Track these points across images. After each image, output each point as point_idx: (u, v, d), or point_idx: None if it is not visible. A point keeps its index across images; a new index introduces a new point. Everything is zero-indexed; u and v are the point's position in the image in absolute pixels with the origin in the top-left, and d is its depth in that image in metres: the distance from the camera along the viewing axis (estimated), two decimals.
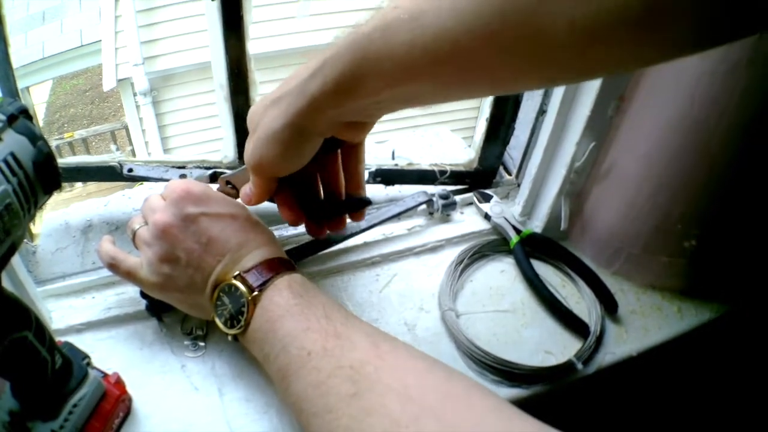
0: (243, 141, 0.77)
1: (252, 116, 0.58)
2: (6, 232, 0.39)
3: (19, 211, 0.40)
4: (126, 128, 5.31)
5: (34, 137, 0.41)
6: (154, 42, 4.26)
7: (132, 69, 4.26)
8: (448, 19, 0.41)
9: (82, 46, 4.73)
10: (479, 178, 0.87)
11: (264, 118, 0.55)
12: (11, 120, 0.41)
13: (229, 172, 0.68)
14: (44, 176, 0.42)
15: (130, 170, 0.76)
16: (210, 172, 0.74)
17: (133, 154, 5.38)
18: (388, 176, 0.84)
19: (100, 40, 4.46)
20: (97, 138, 6.19)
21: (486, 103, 0.82)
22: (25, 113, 0.42)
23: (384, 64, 0.45)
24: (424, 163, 0.86)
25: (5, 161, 0.39)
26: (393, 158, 0.88)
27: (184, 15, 4.15)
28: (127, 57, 4.27)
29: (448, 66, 0.43)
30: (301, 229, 0.79)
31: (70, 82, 7.07)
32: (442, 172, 0.85)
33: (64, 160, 0.76)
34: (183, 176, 0.76)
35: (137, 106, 4.58)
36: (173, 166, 0.77)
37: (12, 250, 0.42)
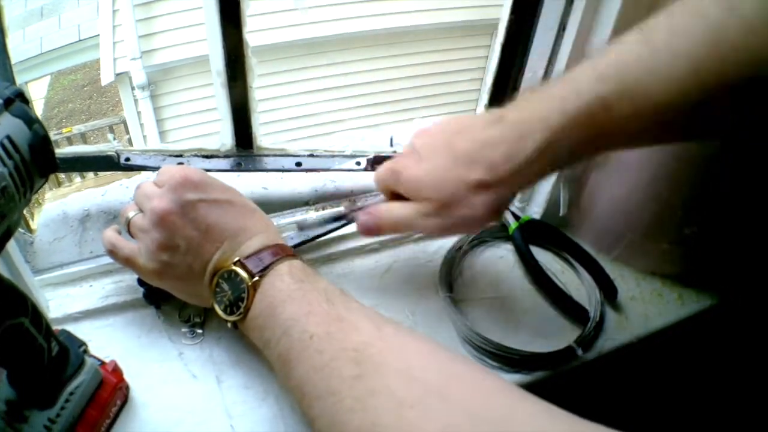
0: (241, 128, 0.77)
1: (442, 189, 0.57)
2: (2, 215, 0.39)
3: (14, 195, 0.40)
4: (124, 123, 5.30)
5: (30, 120, 0.41)
6: (151, 36, 4.25)
7: (130, 63, 4.25)
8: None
9: (80, 40, 4.73)
10: None
11: (470, 199, 0.55)
12: (7, 103, 0.40)
13: (371, 201, 0.69)
14: (40, 159, 0.42)
15: (128, 159, 0.76)
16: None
17: (131, 144, 5.37)
18: None
19: (98, 35, 4.45)
20: (95, 133, 6.18)
21: (484, 91, 0.81)
22: (21, 97, 0.42)
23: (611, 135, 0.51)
24: None
25: (1, 144, 0.39)
26: (391, 145, 0.87)
27: (182, 8, 4.14)
28: (125, 51, 4.26)
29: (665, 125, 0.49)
30: (299, 216, 0.79)
31: (68, 77, 7.05)
32: None
33: (62, 150, 0.75)
34: (180, 164, 0.76)
35: (135, 100, 4.57)
36: (171, 155, 0.77)
37: (8, 234, 0.42)
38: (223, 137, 0.78)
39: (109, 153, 0.76)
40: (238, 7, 0.66)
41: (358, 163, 0.82)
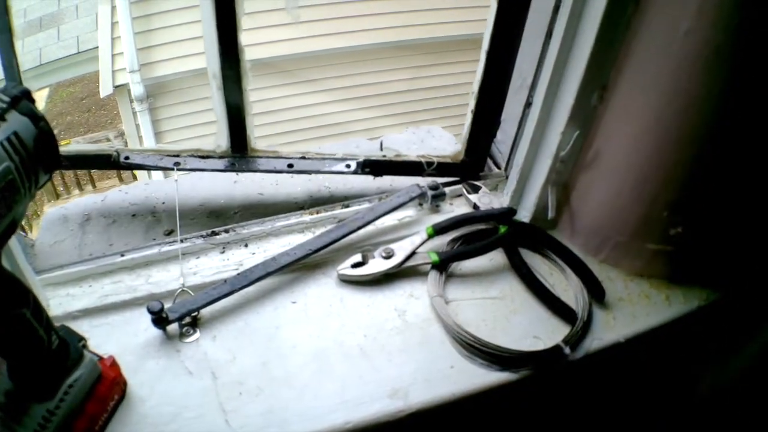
0: (236, 130, 0.80)
1: None
2: (8, 207, 0.41)
3: (20, 188, 0.42)
4: (123, 135, 5.31)
5: (37, 118, 0.43)
6: (150, 49, 4.27)
7: (128, 75, 4.27)
8: None
9: (79, 53, 4.74)
10: (467, 170, 0.89)
11: None
12: (15, 102, 0.42)
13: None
14: (45, 155, 0.44)
15: (127, 158, 0.79)
16: None
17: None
18: (376, 167, 0.85)
19: (97, 47, 4.47)
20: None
21: (471, 96, 0.83)
22: (28, 96, 0.44)
23: None
24: (412, 155, 0.87)
25: (8, 140, 0.40)
26: (381, 149, 0.89)
27: (181, 22, 4.17)
28: (123, 64, 4.28)
29: None
30: (293, 219, 0.80)
31: (67, 90, 7.06)
32: (429, 164, 0.86)
33: (64, 148, 0.77)
34: (177, 164, 0.79)
35: (134, 113, 4.58)
36: (168, 155, 0.80)
37: (13, 226, 0.43)
38: (219, 139, 0.81)
39: (110, 152, 0.79)
40: (234, 11, 0.69)
41: (348, 166, 0.84)
